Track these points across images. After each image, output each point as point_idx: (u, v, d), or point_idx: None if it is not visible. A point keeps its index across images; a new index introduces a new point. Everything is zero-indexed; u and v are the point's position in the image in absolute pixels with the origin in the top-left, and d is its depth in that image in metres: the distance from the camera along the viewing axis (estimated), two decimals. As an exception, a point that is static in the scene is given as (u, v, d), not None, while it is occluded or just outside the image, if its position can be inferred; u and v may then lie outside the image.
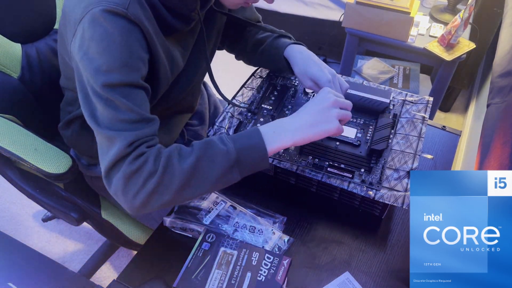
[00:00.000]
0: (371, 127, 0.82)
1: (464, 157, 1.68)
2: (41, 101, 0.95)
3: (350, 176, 0.74)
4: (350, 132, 0.81)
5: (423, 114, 0.85)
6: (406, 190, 0.72)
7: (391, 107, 0.87)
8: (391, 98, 0.86)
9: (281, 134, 0.67)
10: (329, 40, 2.17)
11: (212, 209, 0.75)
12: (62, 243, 1.50)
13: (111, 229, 0.99)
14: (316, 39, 2.23)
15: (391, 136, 0.80)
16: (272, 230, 0.72)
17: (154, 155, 0.62)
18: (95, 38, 0.61)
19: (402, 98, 0.89)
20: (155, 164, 0.62)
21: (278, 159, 0.78)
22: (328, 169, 0.76)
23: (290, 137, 0.67)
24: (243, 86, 0.93)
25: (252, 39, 0.97)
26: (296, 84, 0.93)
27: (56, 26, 0.97)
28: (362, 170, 0.75)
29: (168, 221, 0.74)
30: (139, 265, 0.70)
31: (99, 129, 0.63)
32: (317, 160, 0.77)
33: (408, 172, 0.74)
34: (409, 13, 1.47)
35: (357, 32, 1.60)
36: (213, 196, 0.77)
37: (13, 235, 1.51)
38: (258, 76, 0.96)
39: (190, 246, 0.65)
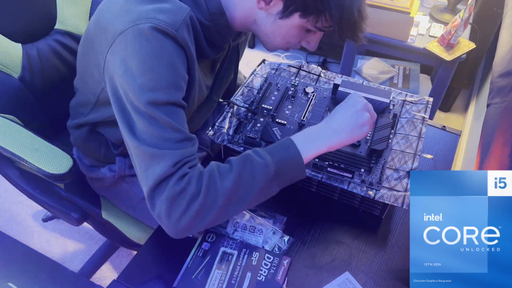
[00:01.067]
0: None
1: (464, 157, 1.68)
2: (41, 101, 0.95)
3: (350, 176, 0.74)
4: None
5: (423, 115, 0.85)
6: (406, 190, 0.72)
7: (391, 107, 0.87)
8: (391, 98, 0.86)
9: (315, 141, 0.67)
10: (329, 40, 2.17)
11: None
12: (62, 243, 1.50)
13: (111, 230, 0.99)
14: (316, 39, 2.23)
15: (391, 136, 0.80)
16: (272, 230, 0.72)
17: (196, 176, 0.62)
18: (140, 55, 0.60)
19: (402, 99, 0.89)
20: (198, 185, 0.61)
21: None
22: (328, 169, 0.76)
23: (326, 143, 0.67)
24: (243, 85, 0.93)
25: None
26: (296, 84, 0.93)
27: (56, 26, 0.97)
28: (362, 170, 0.75)
29: (168, 221, 0.74)
30: (139, 265, 0.70)
31: (140, 146, 0.62)
32: (317, 160, 0.77)
33: (408, 172, 0.74)
34: (409, 13, 1.47)
35: (357, 32, 1.60)
36: None
37: (13, 235, 1.51)
38: (258, 75, 0.96)
39: (190, 246, 0.65)
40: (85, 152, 0.94)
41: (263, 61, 1.01)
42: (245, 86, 0.92)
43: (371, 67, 1.78)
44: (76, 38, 0.99)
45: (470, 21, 1.56)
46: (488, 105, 1.00)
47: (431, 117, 1.67)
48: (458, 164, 1.71)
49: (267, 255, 0.65)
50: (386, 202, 0.71)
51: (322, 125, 0.70)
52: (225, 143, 0.80)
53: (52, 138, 0.89)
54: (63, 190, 0.95)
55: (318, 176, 0.75)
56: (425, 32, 1.60)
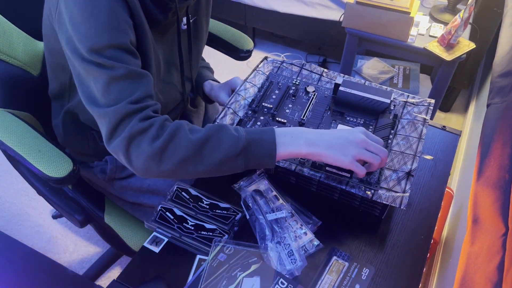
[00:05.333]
0: (371, 127, 0.82)
1: (464, 157, 1.68)
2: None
3: (349, 175, 0.74)
4: None
5: (424, 116, 0.85)
6: (404, 191, 0.72)
7: (392, 108, 0.86)
8: (392, 99, 0.86)
9: (295, 141, 0.67)
10: (329, 40, 2.17)
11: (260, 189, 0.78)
12: (62, 243, 1.50)
13: (112, 235, 0.97)
14: (316, 39, 2.23)
15: (391, 136, 0.80)
16: (305, 231, 0.73)
17: (159, 123, 0.63)
18: (78, 4, 0.61)
19: (404, 100, 0.88)
20: (160, 130, 0.62)
21: None
22: (327, 168, 0.76)
23: (305, 147, 0.67)
24: (245, 80, 0.93)
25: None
26: (297, 83, 0.93)
27: None
28: None
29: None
30: (139, 265, 0.70)
31: (97, 108, 0.64)
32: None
33: (408, 173, 0.74)
34: (409, 13, 1.47)
35: (357, 32, 1.60)
36: (264, 182, 0.80)
37: (13, 235, 1.51)
38: (260, 72, 0.96)
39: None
40: (74, 148, 0.94)
41: (265, 58, 1.01)
42: (248, 82, 0.93)
43: (371, 67, 1.79)
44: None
45: (470, 21, 1.56)
46: (488, 105, 1.00)
47: (431, 117, 1.67)
48: (458, 164, 1.71)
49: (281, 280, 0.65)
50: (384, 202, 0.71)
51: (310, 130, 0.70)
52: None
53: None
54: (70, 190, 0.94)
55: (316, 175, 0.75)
56: (425, 32, 1.60)
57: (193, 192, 0.78)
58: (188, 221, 0.73)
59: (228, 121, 0.83)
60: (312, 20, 2.10)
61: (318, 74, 0.96)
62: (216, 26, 1.18)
